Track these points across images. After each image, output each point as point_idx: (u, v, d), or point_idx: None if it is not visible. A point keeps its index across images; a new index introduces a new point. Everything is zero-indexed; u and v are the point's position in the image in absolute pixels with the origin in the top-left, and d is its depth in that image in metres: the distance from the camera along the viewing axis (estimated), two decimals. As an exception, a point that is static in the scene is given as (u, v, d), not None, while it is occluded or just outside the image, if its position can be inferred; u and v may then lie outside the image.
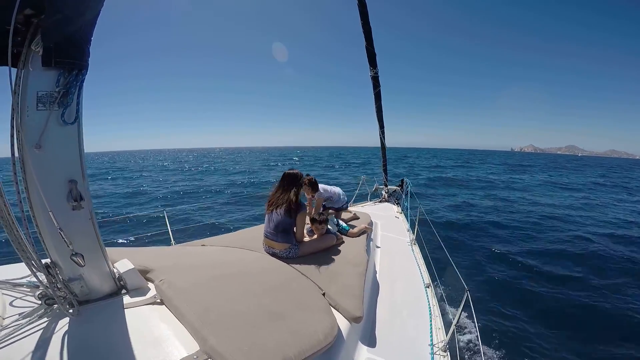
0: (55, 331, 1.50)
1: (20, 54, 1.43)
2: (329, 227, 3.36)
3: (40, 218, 1.55)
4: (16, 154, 1.45)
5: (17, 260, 2.39)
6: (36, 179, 1.45)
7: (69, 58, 1.48)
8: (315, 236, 3.21)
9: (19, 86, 1.45)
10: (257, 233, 3.35)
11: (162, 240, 4.95)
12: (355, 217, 4.47)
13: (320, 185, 4.19)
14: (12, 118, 1.43)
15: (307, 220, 3.47)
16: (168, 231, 4.11)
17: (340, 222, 3.80)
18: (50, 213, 1.50)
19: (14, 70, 1.45)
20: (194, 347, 1.49)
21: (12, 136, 1.43)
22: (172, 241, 4.06)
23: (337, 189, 4.49)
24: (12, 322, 1.54)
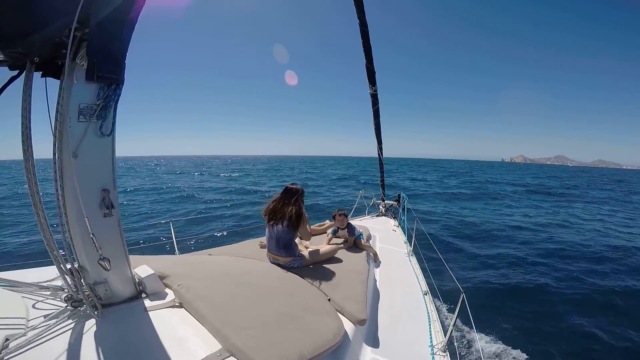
0: (84, 332, 1.57)
1: (62, 67, 1.51)
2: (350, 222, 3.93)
3: (73, 223, 1.63)
4: (57, 162, 1.54)
5: (30, 265, 2.46)
6: (77, 187, 1.54)
7: (110, 73, 1.58)
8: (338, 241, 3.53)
9: (62, 97, 1.54)
10: (258, 245, 3.50)
11: (166, 249, 4.98)
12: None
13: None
14: (55, 128, 1.53)
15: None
16: (173, 241, 4.16)
17: (357, 229, 3.99)
18: (85, 219, 1.59)
19: (56, 82, 1.56)
20: (216, 345, 1.59)
21: (54, 145, 1.53)
22: (177, 250, 4.11)
23: None
24: (40, 323, 1.60)
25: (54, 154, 1.52)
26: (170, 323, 1.76)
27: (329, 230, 3.99)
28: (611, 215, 16.82)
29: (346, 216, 3.90)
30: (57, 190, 1.55)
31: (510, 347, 4.64)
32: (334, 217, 3.93)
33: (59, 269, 1.63)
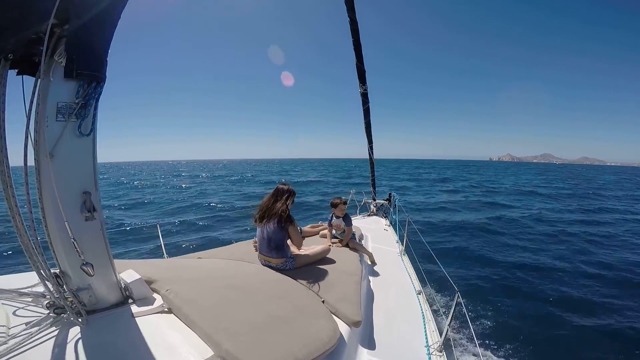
0: (67, 340, 1.51)
1: (39, 64, 1.44)
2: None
3: (53, 227, 1.56)
4: (30, 164, 1.47)
5: (12, 271, 2.37)
6: (55, 189, 1.48)
7: (90, 70, 1.52)
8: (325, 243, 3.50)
9: (38, 96, 1.47)
10: (250, 246, 3.42)
11: (154, 253, 4.87)
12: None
13: None
14: (27, 127, 1.45)
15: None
16: (161, 244, 4.08)
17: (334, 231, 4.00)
18: (66, 223, 1.52)
19: (32, 79, 1.49)
20: (208, 352, 1.53)
21: (25, 146, 1.45)
22: (165, 254, 4.03)
23: None
24: (21, 331, 1.53)
25: (25, 155, 1.45)
26: (159, 329, 1.70)
27: (327, 222, 4.01)
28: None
29: (345, 203, 3.94)
30: (28, 194, 1.47)
31: (507, 347, 4.66)
32: (333, 205, 3.92)
33: (39, 274, 1.56)
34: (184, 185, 31.36)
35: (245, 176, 45.43)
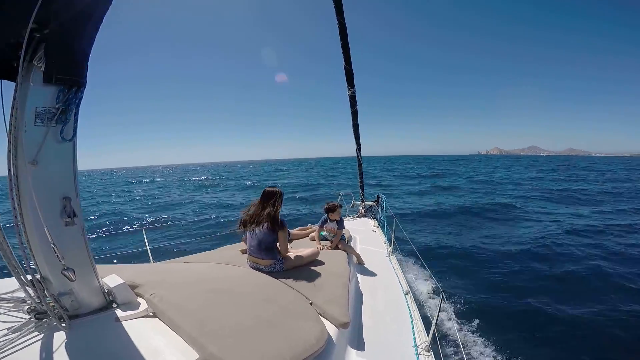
0: (50, 345, 1.50)
1: (18, 68, 1.43)
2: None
3: (32, 233, 1.55)
4: (12, 170, 1.46)
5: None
6: (34, 195, 1.47)
7: (70, 75, 1.52)
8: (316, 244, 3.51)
9: (17, 101, 1.46)
10: (238, 250, 3.43)
11: (140, 257, 4.81)
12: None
13: None
14: (10, 133, 1.45)
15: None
16: (147, 249, 4.05)
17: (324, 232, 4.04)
18: (45, 228, 1.51)
19: (11, 84, 1.47)
20: (193, 355, 1.53)
21: (9, 152, 1.45)
22: (151, 259, 4.00)
23: None
24: (1, 337, 1.52)
25: (9, 161, 1.44)
26: (143, 333, 1.69)
27: (318, 224, 4.04)
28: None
29: (340, 207, 4.00)
30: (12, 199, 1.47)
31: (492, 343, 4.71)
32: (331, 209, 3.93)
33: (19, 280, 1.56)
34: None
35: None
